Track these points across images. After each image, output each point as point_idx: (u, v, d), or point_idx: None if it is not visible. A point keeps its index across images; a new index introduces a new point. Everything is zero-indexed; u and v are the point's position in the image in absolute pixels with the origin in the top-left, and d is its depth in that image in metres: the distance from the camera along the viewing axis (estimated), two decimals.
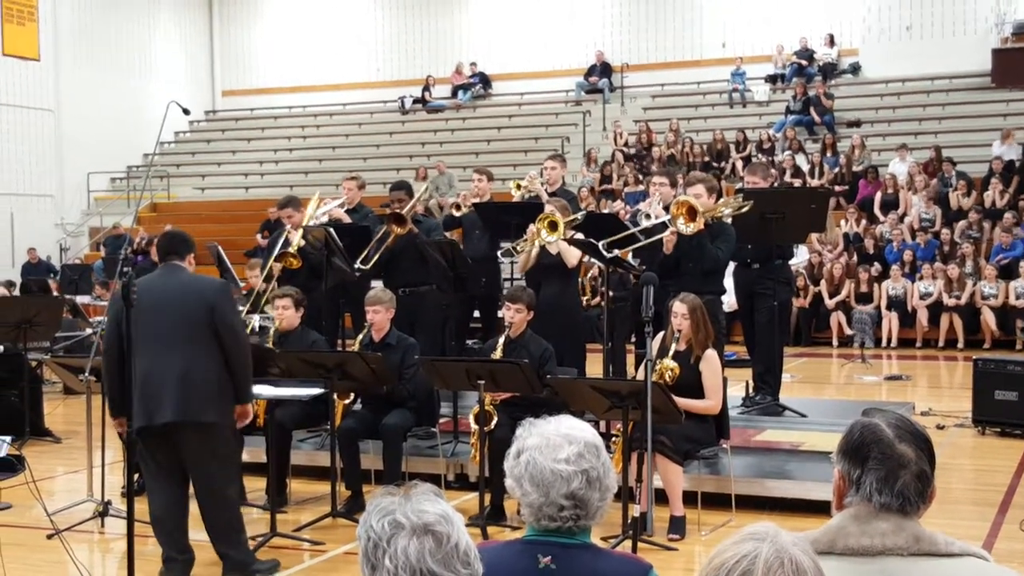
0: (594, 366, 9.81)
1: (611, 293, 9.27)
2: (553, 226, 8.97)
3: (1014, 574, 2.50)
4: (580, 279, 9.78)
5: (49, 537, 7.08)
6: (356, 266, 9.84)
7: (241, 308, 8.87)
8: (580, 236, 9.00)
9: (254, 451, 8.62)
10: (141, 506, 6.96)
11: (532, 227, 9.16)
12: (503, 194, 11.76)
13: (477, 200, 10.74)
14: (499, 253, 9.83)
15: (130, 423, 6.09)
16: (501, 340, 8.01)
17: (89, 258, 24.23)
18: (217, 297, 6.38)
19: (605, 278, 8.86)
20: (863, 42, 25.34)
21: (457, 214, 10.92)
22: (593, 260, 9.65)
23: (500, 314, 8.46)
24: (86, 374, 8.02)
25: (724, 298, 9.19)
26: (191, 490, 6.47)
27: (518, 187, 10.75)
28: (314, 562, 7.01)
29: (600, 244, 8.53)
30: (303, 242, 10.02)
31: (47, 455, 10.38)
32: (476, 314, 11.27)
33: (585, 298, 17.90)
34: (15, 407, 10.90)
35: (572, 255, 9.21)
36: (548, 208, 9.27)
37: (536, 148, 24.37)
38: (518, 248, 9.55)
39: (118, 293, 6.44)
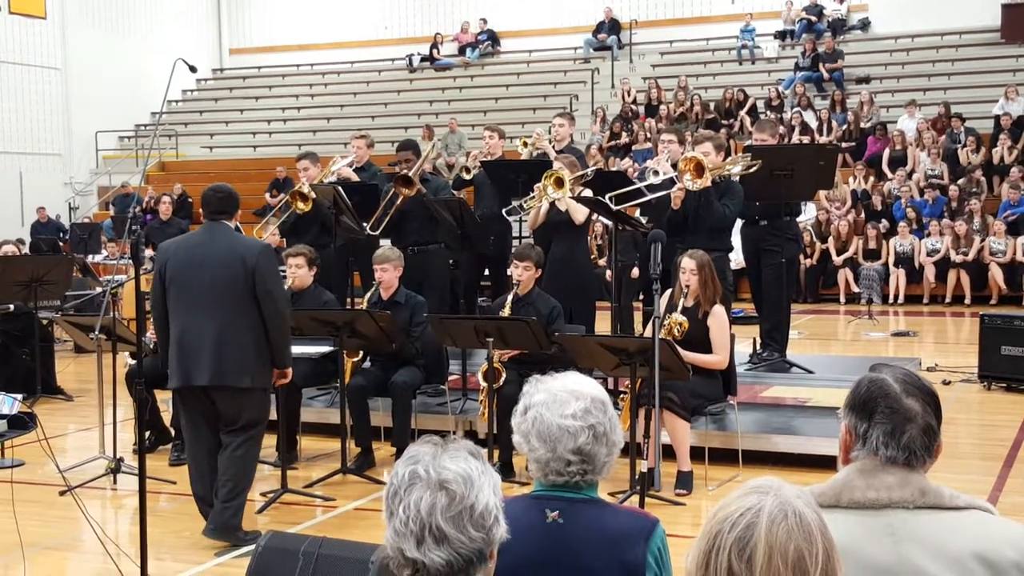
0: (602, 324, 9.83)
1: (617, 253, 9.27)
2: (559, 183, 8.96)
3: (1019, 527, 2.52)
4: (589, 239, 9.77)
5: (62, 494, 7.15)
6: (367, 231, 9.85)
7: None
8: (588, 193, 9.00)
9: None
10: (153, 463, 7.03)
11: (539, 184, 9.16)
12: (510, 152, 11.73)
13: (487, 158, 10.72)
14: (504, 211, 9.83)
15: (140, 376, 6.12)
16: (509, 298, 8.03)
17: (98, 217, 24.28)
18: (258, 260, 6.28)
19: (613, 236, 8.85)
20: None
21: (467, 177, 10.90)
22: (600, 218, 9.64)
23: (509, 272, 8.47)
24: (96, 332, 8.05)
25: (732, 255, 9.19)
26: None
27: (524, 144, 10.73)
28: (325, 518, 7.07)
29: (607, 197, 8.52)
30: (312, 194, 10.05)
31: (59, 413, 10.46)
32: (486, 272, 11.28)
33: (592, 256, 17.93)
34: (27, 365, 10.97)
35: (579, 212, 9.20)
36: (556, 165, 9.27)
37: (544, 106, 24.28)
38: (525, 205, 9.54)
39: (161, 250, 6.52)
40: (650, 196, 8.70)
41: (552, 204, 9.21)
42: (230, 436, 6.41)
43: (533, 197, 9.35)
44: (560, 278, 8.88)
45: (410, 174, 9.88)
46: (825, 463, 7.34)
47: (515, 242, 10.65)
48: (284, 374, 6.60)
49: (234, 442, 6.40)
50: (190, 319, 6.30)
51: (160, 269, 6.41)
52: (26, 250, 17.93)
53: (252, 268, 6.25)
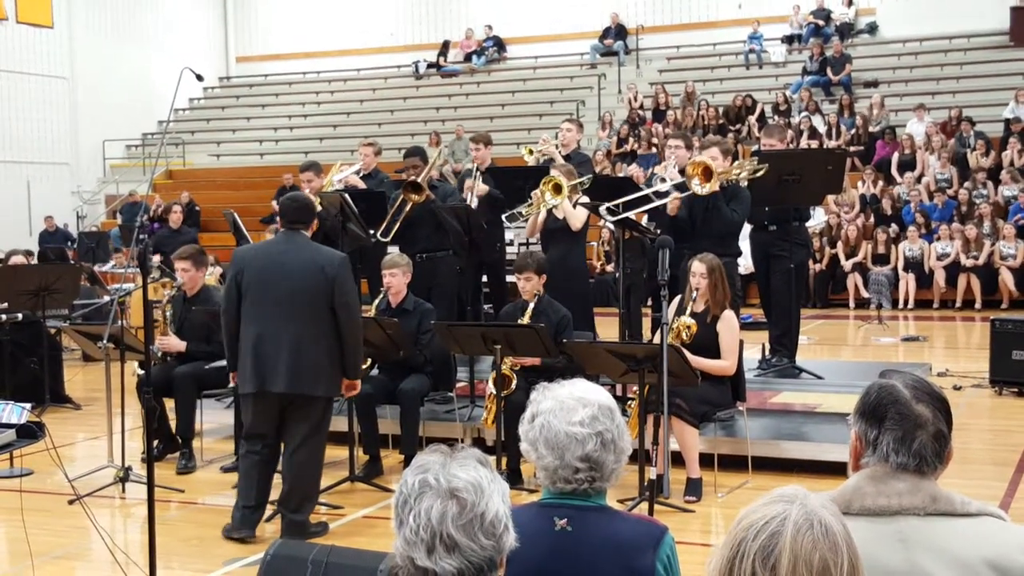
0: (610, 330, 9.81)
1: (626, 258, 9.25)
2: (557, 189, 8.96)
3: None
4: (597, 245, 9.75)
5: (71, 503, 7.14)
6: (377, 238, 9.85)
7: None
8: (586, 199, 8.99)
9: None
10: (161, 471, 7.02)
11: (536, 191, 9.16)
12: (516, 159, 11.73)
13: (481, 166, 10.70)
14: (504, 217, 9.84)
15: (148, 385, 6.10)
16: (531, 306, 7.94)
17: (106, 225, 24.29)
18: (338, 272, 6.43)
19: (620, 242, 8.84)
20: (880, 1, 25.13)
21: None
22: (607, 225, 9.63)
23: (509, 279, 8.44)
24: (104, 341, 8.06)
25: (740, 260, 9.17)
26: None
27: (530, 152, 10.71)
28: (333, 526, 7.05)
29: (605, 206, 8.51)
30: (319, 208, 10.04)
31: (68, 422, 10.46)
32: (484, 278, 11.25)
33: (600, 263, 17.93)
34: (35, 374, 10.97)
35: (576, 218, 9.20)
36: (553, 172, 9.26)
37: (551, 112, 24.29)
38: (523, 213, 9.54)
39: (238, 256, 6.60)
40: (655, 203, 8.69)
41: (550, 211, 9.19)
42: (296, 442, 6.52)
43: (531, 204, 9.34)
44: (553, 283, 8.84)
45: (419, 180, 9.88)
46: (835, 469, 7.32)
47: (508, 248, 10.61)
48: (354, 385, 6.74)
49: (302, 449, 6.51)
50: (267, 325, 6.41)
51: (236, 275, 6.53)
52: (34, 260, 17.93)
53: (332, 279, 6.39)
